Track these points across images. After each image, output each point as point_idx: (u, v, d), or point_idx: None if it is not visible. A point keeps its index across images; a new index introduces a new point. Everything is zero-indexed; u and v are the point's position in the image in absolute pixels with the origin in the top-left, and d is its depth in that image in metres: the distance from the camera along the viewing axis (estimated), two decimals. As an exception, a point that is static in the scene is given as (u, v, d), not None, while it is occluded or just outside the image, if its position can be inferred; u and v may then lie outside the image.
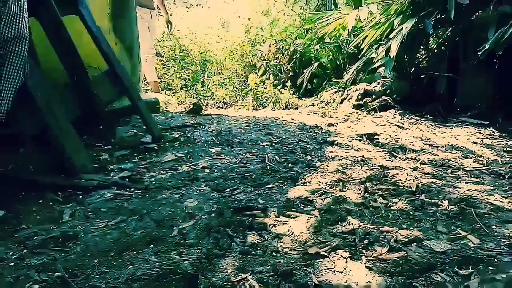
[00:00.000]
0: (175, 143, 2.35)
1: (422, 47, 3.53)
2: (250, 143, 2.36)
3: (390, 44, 3.30)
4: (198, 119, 2.94)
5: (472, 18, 3.22)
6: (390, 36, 3.38)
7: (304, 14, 5.24)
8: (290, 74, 4.84)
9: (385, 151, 2.27)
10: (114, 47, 3.03)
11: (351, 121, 3.11)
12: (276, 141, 2.42)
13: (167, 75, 4.70)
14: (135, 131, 2.56)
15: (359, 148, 2.33)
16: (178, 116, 3.06)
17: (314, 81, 4.90)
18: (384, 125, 2.94)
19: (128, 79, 2.41)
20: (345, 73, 4.04)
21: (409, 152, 2.27)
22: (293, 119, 3.07)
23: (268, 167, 1.91)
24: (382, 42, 3.73)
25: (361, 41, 3.74)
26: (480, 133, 2.83)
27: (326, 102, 3.92)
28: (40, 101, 1.66)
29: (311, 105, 3.99)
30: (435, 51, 3.52)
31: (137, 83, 3.42)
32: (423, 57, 3.58)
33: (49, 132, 1.69)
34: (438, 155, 2.25)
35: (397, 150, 2.31)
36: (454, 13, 3.08)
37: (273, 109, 3.63)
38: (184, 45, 5.52)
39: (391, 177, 1.79)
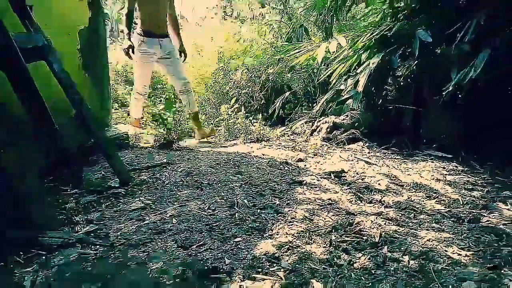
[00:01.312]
0: (143, 187, 2.33)
1: (389, 80, 3.63)
2: (219, 184, 2.37)
3: (358, 78, 3.39)
4: (168, 156, 2.93)
5: (437, 54, 3.35)
6: (358, 71, 3.48)
7: (275, 43, 5.33)
8: (262, 102, 4.90)
9: (351, 192, 2.31)
10: (84, 83, 3.04)
11: (320, 156, 3.16)
12: (246, 181, 2.43)
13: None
14: (103, 173, 2.54)
15: (327, 189, 2.37)
16: (148, 153, 3.04)
17: (286, 106, 4.98)
18: (352, 160, 3.00)
19: (95, 123, 2.39)
20: (315, 104, 4.12)
21: (374, 193, 2.32)
22: (263, 154, 3.10)
23: (237, 214, 1.92)
24: (351, 74, 3.83)
25: (331, 74, 3.83)
26: (444, 168, 2.92)
27: (297, 133, 3.98)
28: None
29: (283, 135, 4.04)
30: (402, 84, 3.63)
31: (106, 117, 3.41)
32: (391, 89, 3.69)
33: (15, 190, 1.66)
34: (403, 196, 2.32)
35: (363, 191, 2.36)
36: (419, 49, 3.21)
37: (245, 141, 3.65)
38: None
39: (356, 225, 1.83)
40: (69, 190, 2.28)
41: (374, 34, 3.44)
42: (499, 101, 3.08)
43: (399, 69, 3.56)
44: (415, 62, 3.36)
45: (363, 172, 2.72)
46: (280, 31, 5.55)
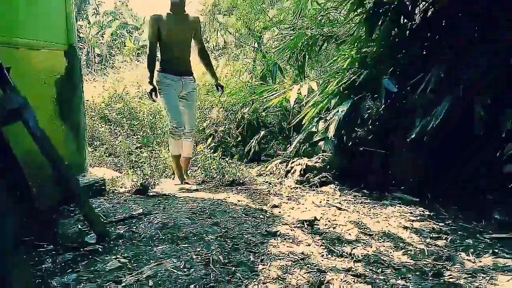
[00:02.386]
0: (120, 242, 2.36)
1: (359, 124, 3.80)
2: (195, 238, 2.43)
3: (329, 124, 3.54)
4: (144, 205, 2.97)
5: (403, 101, 3.54)
6: (328, 117, 3.63)
7: (250, 82, 5.49)
8: (238, 139, 5.02)
9: (323, 245, 2.40)
10: (59, 130, 3.07)
11: (294, 200, 3.26)
12: (221, 233, 2.49)
13: (115, 143, 4.71)
14: (79, 226, 2.55)
15: (299, 241, 2.45)
16: (124, 201, 3.07)
17: (262, 141, 5.11)
18: (324, 206, 3.11)
19: (73, 180, 2.41)
20: (289, 139, 4.26)
21: (345, 245, 2.42)
22: (239, 201, 3.17)
23: (212, 274, 1.98)
24: (322, 117, 3.99)
25: (303, 117, 3.98)
26: (411, 213, 3.06)
27: (272, 173, 4.09)
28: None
29: (259, 175, 4.14)
30: (371, 127, 3.80)
31: (82, 162, 3.42)
32: (360, 132, 3.85)
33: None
34: (371, 247, 2.42)
35: (335, 242, 2.46)
36: (386, 96, 3.40)
37: (221, 183, 3.73)
38: (133, 108, 5.57)
39: (327, 284, 1.92)
40: (45, 246, 2.29)
41: (343, 82, 3.61)
42: (460, 145, 3.26)
43: (368, 112, 3.72)
44: (382, 107, 3.53)
45: (334, 220, 2.82)
46: (255, 71, 5.71)
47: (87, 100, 5.30)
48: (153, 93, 3.50)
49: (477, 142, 3.02)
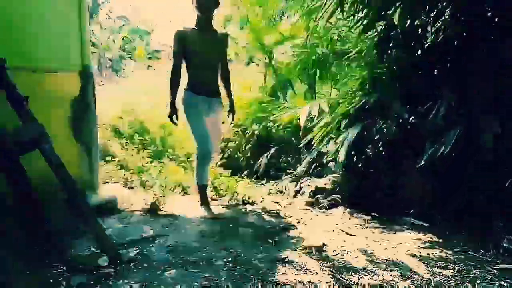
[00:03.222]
0: (132, 265, 2.41)
1: (369, 146, 3.82)
2: (204, 263, 2.46)
3: (339, 147, 3.56)
4: (155, 226, 3.02)
5: (414, 127, 3.55)
6: (338, 141, 3.65)
7: (261, 97, 5.53)
8: (248, 154, 5.06)
9: (331, 274, 2.43)
10: (73, 149, 3.16)
11: (303, 223, 3.29)
12: (230, 258, 2.53)
13: (126, 156, 4.78)
14: (91, 247, 2.61)
15: (307, 269, 2.47)
16: (135, 222, 3.13)
17: (273, 157, 5.16)
18: (333, 231, 3.13)
19: (86, 206, 2.47)
20: (298, 164, 4.29)
21: (352, 273, 2.44)
22: (248, 223, 3.21)
23: (221, 304, 2.01)
24: (333, 136, 4.02)
25: (313, 137, 4.01)
26: (419, 239, 3.07)
27: (282, 192, 4.12)
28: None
29: (268, 194, 4.18)
30: (381, 149, 3.81)
31: (94, 180, 3.49)
32: (371, 154, 3.87)
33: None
34: (378, 276, 2.44)
35: (342, 270, 2.48)
36: (396, 121, 3.42)
37: (231, 201, 3.78)
38: (143, 121, 5.64)
39: (334, 317, 1.94)
40: (58, 266, 2.35)
41: (353, 104, 3.64)
42: (470, 171, 3.27)
43: (378, 136, 3.74)
44: (392, 131, 3.54)
45: (342, 246, 2.84)
46: (264, 85, 5.77)
47: (99, 114, 5.38)
48: (174, 116, 3.28)
49: (487, 169, 3.03)
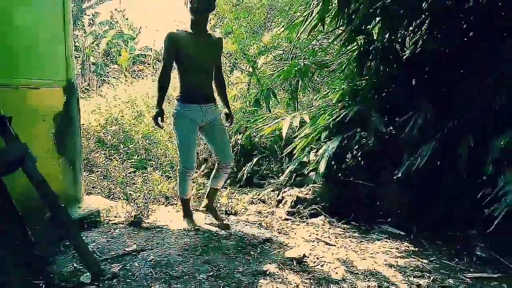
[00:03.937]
0: (115, 282, 2.44)
1: (348, 157, 3.91)
2: (187, 277, 2.51)
3: (320, 159, 3.65)
4: (138, 240, 3.05)
5: (392, 139, 3.65)
6: (319, 152, 3.74)
7: (244, 107, 5.60)
8: (232, 164, 5.11)
9: (311, 285, 2.50)
10: (56, 163, 3.17)
11: (284, 234, 3.36)
12: (213, 272, 2.58)
13: (109, 167, 4.78)
14: (74, 265, 2.63)
15: (288, 282, 2.54)
16: (118, 235, 3.15)
17: (256, 166, 5.22)
18: (314, 241, 3.21)
19: (68, 220, 2.49)
20: (280, 172, 4.37)
21: (331, 285, 2.52)
22: (231, 234, 3.26)
23: (202, 319, 2.06)
24: (314, 147, 4.11)
25: (294, 147, 4.09)
26: (397, 248, 3.17)
27: (264, 201, 4.19)
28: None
29: (251, 203, 4.23)
30: (361, 160, 3.91)
31: (78, 193, 3.50)
32: (350, 165, 3.96)
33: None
34: (357, 286, 2.52)
35: (322, 282, 2.55)
36: (375, 133, 3.52)
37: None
38: (127, 130, 5.65)
39: (312, 330, 2.01)
40: (41, 286, 2.36)
41: (333, 117, 3.73)
42: (445, 182, 3.38)
43: (357, 148, 3.84)
44: (371, 143, 3.64)
45: (322, 257, 2.92)
46: (248, 94, 5.83)
47: (83, 124, 5.38)
48: (159, 118, 3.15)
49: (462, 179, 3.14)
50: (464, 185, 3.15)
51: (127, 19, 30.04)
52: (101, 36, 26.63)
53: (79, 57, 26.39)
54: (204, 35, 3.17)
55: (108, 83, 12.60)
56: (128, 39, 28.11)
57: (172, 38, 3.08)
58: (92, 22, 27.08)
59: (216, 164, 3.39)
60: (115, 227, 3.41)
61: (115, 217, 3.64)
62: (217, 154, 3.34)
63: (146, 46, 24.08)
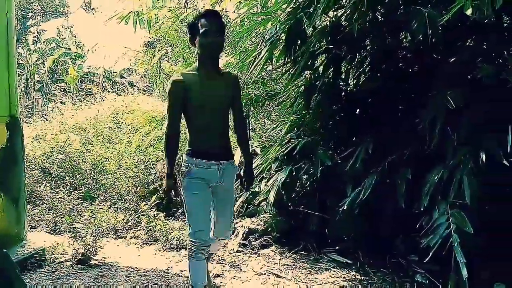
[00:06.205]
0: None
1: (298, 188, 4.04)
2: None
3: (270, 190, 3.75)
4: (86, 280, 2.98)
5: (337, 171, 3.81)
6: (269, 183, 3.84)
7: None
8: (183, 193, 5.09)
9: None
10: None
11: (236, 267, 3.40)
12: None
13: (55, 199, 4.63)
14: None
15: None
16: (64, 275, 3.06)
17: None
18: (264, 273, 3.27)
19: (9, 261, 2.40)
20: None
21: (281, 321, 2.59)
22: (181, 271, 3.25)
23: None
24: (265, 176, 4.21)
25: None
26: (344, 278, 3.30)
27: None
28: None
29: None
30: (309, 189, 4.05)
31: (21, 232, 3.37)
32: (300, 195, 4.09)
33: None
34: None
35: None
36: (321, 165, 3.68)
37: (165, 246, 3.80)
38: (74, 159, 5.49)
39: None
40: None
41: (282, 150, 3.86)
42: (389, 210, 3.57)
43: (305, 179, 3.98)
44: (318, 175, 3.78)
45: (273, 291, 2.99)
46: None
47: (27, 154, 5.17)
48: (173, 190, 2.43)
49: (401, 211, 3.34)
50: (404, 216, 3.35)
51: (75, 36, 29.29)
52: (47, 54, 25.73)
53: (23, 74, 25.28)
54: (216, 74, 2.50)
55: (54, 102, 12.18)
56: (76, 57, 27.34)
57: (177, 83, 2.40)
58: (37, 40, 26.14)
59: (212, 232, 2.57)
60: (61, 266, 3.30)
61: (62, 254, 3.52)
62: (215, 224, 2.57)
63: (94, 66, 23.50)
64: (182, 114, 2.44)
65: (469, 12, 2.48)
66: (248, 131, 5.61)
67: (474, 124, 2.82)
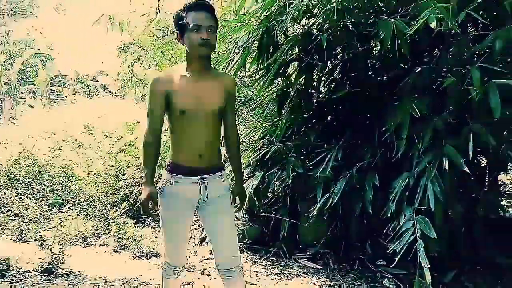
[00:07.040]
0: None
1: (270, 194, 4.07)
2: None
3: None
4: (52, 290, 2.91)
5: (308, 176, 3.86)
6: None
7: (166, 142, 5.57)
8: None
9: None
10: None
11: (207, 275, 3.39)
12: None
13: (21, 205, 4.50)
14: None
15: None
16: (29, 286, 2.98)
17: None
18: (235, 280, 3.27)
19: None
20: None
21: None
22: (151, 279, 3.22)
23: None
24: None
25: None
26: (313, 284, 3.34)
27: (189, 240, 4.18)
28: None
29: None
30: (280, 195, 4.09)
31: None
32: (271, 201, 4.11)
33: None
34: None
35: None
36: (292, 171, 3.71)
37: (135, 254, 3.75)
38: (43, 165, 5.35)
39: None
40: None
41: (254, 156, 3.88)
42: (357, 217, 3.64)
43: (277, 185, 4.01)
44: (289, 181, 3.82)
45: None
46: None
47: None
48: (151, 202, 2.05)
49: (370, 217, 3.40)
50: (373, 222, 3.42)
51: (45, 37, 28.57)
52: (15, 55, 25.01)
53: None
54: (207, 75, 2.15)
55: (22, 105, 11.82)
56: (46, 58, 26.68)
57: (160, 83, 2.08)
58: (5, 40, 25.36)
59: (217, 268, 2.25)
60: (27, 275, 3.21)
61: (27, 263, 3.42)
62: (214, 252, 2.24)
63: (65, 68, 22.97)
64: (165, 119, 2.11)
65: (433, 25, 2.57)
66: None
67: (438, 132, 2.91)
